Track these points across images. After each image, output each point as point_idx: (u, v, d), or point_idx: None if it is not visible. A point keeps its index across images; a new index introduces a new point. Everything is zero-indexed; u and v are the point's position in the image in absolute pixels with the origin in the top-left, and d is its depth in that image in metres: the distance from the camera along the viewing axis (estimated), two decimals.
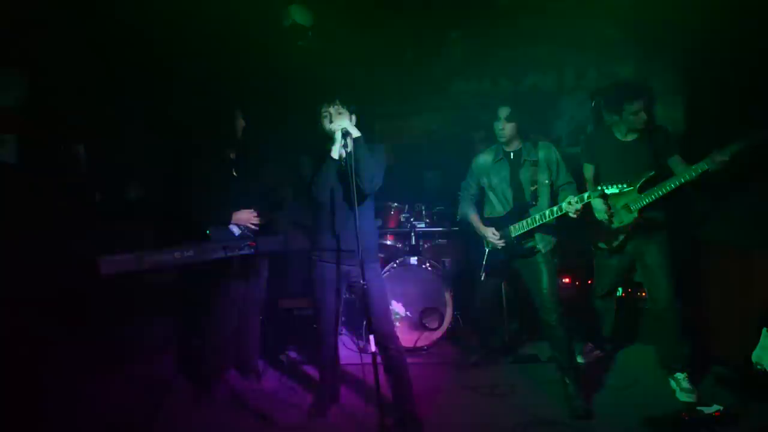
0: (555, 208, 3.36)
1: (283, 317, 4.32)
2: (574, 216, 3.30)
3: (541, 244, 3.51)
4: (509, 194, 3.57)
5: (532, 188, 3.50)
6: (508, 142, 3.56)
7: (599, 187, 3.20)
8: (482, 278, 3.71)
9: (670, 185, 3.38)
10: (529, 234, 3.51)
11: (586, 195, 3.27)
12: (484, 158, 3.67)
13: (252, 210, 3.63)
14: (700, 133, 4.11)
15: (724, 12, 3.82)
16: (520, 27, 5.36)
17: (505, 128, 3.49)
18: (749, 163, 3.49)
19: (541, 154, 3.52)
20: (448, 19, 5.24)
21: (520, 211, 3.52)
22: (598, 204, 3.59)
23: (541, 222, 3.42)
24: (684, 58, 4.80)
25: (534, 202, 3.50)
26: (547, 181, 3.51)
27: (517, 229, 3.52)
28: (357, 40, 4.95)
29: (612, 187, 3.17)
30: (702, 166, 3.27)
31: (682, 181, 3.35)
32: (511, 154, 3.57)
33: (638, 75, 5.21)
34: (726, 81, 3.85)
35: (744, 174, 3.56)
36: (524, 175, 3.52)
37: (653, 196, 3.43)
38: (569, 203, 3.27)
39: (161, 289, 3.92)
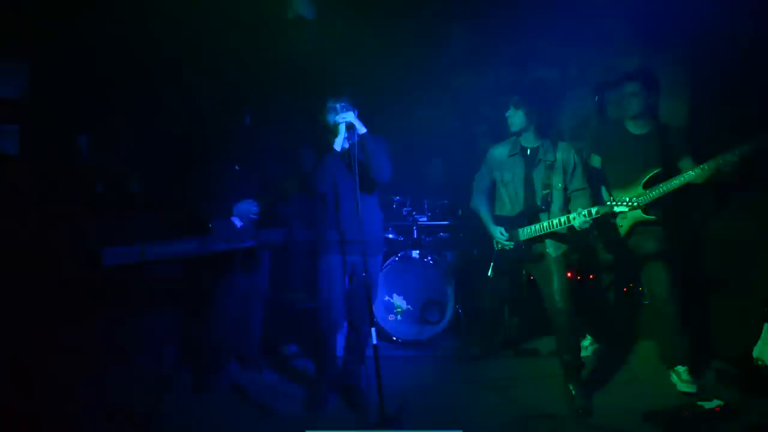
0: (563, 218, 3.27)
1: (284, 310, 4.32)
2: (579, 228, 3.22)
3: (551, 248, 3.43)
4: (521, 193, 3.45)
5: (545, 192, 3.39)
6: (523, 136, 3.45)
7: (608, 203, 3.12)
8: (489, 274, 3.63)
9: (676, 182, 3.34)
10: (539, 239, 3.43)
11: (594, 210, 3.15)
12: (499, 151, 3.55)
13: (251, 201, 3.62)
14: (704, 128, 4.08)
15: (728, 5, 3.80)
16: (523, 20, 5.34)
17: (512, 116, 3.40)
18: (753, 161, 3.49)
19: (558, 155, 3.39)
20: (451, 13, 5.21)
21: (531, 214, 3.42)
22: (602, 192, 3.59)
23: (549, 230, 3.34)
24: (688, 52, 4.77)
25: (544, 207, 3.39)
26: (560, 185, 3.38)
27: (525, 234, 3.43)
28: (360, 32, 4.92)
29: (621, 206, 3.07)
30: (710, 165, 3.23)
31: (688, 179, 3.31)
32: (528, 150, 3.45)
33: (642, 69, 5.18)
34: (731, 75, 3.83)
35: (747, 171, 3.55)
36: (538, 176, 3.41)
37: (658, 193, 3.38)
38: (577, 216, 3.17)
39: (163, 281, 3.93)
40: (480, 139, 5.66)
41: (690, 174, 3.31)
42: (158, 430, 3.11)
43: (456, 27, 5.42)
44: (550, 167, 3.39)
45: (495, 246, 3.60)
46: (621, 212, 3.15)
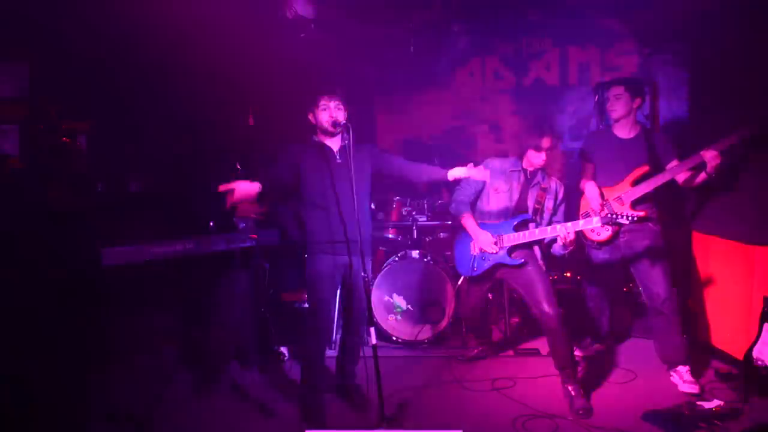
0: (548, 228, 3.38)
1: (284, 310, 4.33)
2: (564, 244, 3.31)
3: (531, 257, 3.51)
4: (511, 207, 3.56)
5: (537, 206, 3.53)
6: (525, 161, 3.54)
7: (594, 219, 3.26)
8: (462, 282, 3.69)
9: (662, 178, 3.45)
10: (521, 246, 3.51)
11: (581, 222, 3.30)
12: (501, 163, 3.63)
13: (253, 201, 3.63)
14: (705, 127, 4.09)
15: (727, 5, 3.81)
16: (523, 20, 5.35)
17: (546, 158, 3.45)
18: (750, 157, 3.50)
19: (553, 185, 3.57)
20: (452, 12, 5.21)
21: (519, 222, 3.50)
22: (591, 190, 3.63)
23: (539, 237, 3.42)
24: (688, 52, 4.78)
25: (534, 218, 3.51)
26: (551, 207, 3.56)
27: (511, 239, 3.48)
28: (360, 32, 4.93)
29: (635, 219, 3.15)
30: (692, 162, 3.33)
31: (673, 174, 3.43)
32: (528, 171, 3.57)
33: (642, 69, 5.19)
34: (731, 74, 3.83)
35: (747, 168, 3.57)
36: (532, 194, 3.55)
37: (647, 188, 3.48)
38: (563, 227, 3.28)
39: (163, 281, 3.93)
40: (480, 139, 5.68)
41: (674, 168, 3.43)
42: (158, 430, 3.11)
43: (456, 27, 5.42)
44: (545, 190, 3.55)
45: (472, 250, 3.62)
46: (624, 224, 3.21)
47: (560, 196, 3.59)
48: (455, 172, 3.20)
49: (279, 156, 3.21)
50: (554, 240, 3.42)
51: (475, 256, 3.62)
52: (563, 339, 3.35)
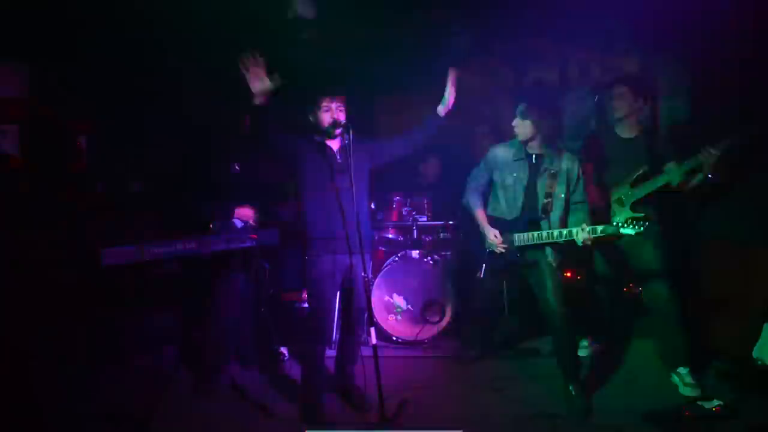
0: (565, 232, 3.27)
1: (284, 310, 4.33)
2: (581, 244, 3.23)
3: (543, 255, 3.45)
4: (520, 199, 3.44)
5: (546, 200, 3.38)
6: (527, 142, 3.41)
7: (615, 222, 3.13)
8: (480, 276, 3.62)
9: (662, 180, 3.45)
10: (532, 246, 3.44)
11: (599, 228, 3.16)
12: (503, 152, 3.50)
13: (252, 207, 3.63)
14: (705, 127, 4.09)
15: (727, 5, 3.80)
16: (523, 20, 5.33)
17: (519, 126, 3.36)
18: (749, 158, 3.50)
19: (564, 165, 3.38)
20: (451, 12, 5.21)
21: (529, 221, 3.41)
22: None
23: (547, 240, 3.34)
24: (688, 52, 4.77)
25: (544, 216, 3.39)
26: (563, 195, 3.38)
27: (521, 240, 3.42)
28: (359, 32, 4.92)
29: (628, 228, 3.08)
30: (690, 164, 3.33)
31: (670, 176, 3.44)
32: (533, 157, 3.42)
33: (642, 69, 5.19)
34: (731, 74, 3.83)
35: (745, 168, 3.57)
36: (541, 184, 3.39)
37: (645, 191, 3.48)
38: (581, 230, 3.18)
39: (163, 280, 3.93)
40: (480, 139, 5.66)
41: (671, 169, 3.43)
42: (158, 430, 3.11)
43: (456, 26, 5.41)
44: (554, 176, 3.37)
45: (486, 246, 3.59)
46: (626, 234, 3.13)
47: (574, 173, 3.38)
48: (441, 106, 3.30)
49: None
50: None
51: (488, 251, 3.59)
52: (567, 338, 3.34)
